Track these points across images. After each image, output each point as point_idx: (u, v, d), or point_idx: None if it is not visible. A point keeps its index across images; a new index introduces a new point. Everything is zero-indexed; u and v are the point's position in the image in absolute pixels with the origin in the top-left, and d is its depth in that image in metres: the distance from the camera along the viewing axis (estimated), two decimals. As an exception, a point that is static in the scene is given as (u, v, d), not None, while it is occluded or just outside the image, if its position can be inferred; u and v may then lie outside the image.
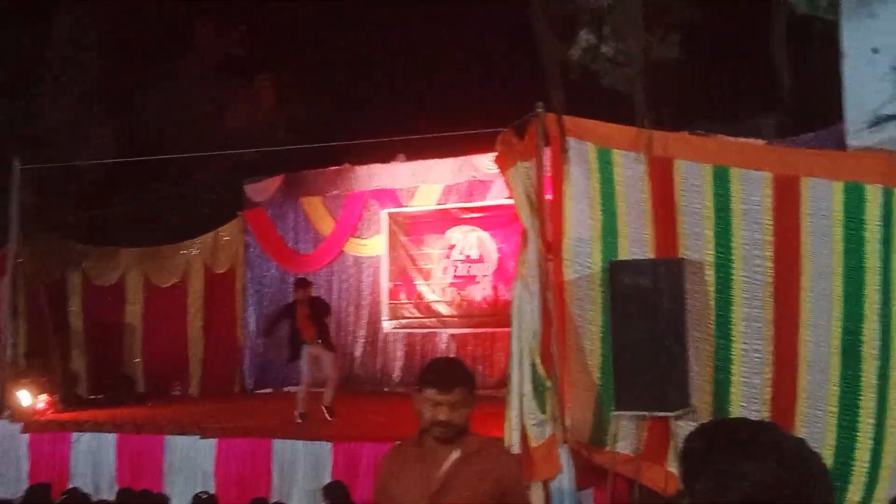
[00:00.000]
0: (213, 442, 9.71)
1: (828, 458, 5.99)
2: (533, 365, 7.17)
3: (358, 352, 13.83)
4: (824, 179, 6.39)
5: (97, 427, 10.87)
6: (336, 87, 16.64)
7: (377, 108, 15.42)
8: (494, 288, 12.88)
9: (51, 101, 13.11)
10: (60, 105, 13.07)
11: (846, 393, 6.23)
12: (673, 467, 6.55)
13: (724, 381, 6.59)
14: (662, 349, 6.60)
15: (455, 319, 13.23)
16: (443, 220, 13.40)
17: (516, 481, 3.63)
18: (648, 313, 6.68)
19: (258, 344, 14.23)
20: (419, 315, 13.47)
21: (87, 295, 14.52)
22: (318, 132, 12.97)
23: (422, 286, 13.49)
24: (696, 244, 6.86)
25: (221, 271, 14.71)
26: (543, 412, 7.04)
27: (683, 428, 6.59)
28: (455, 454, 3.49)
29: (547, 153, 7.80)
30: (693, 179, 6.91)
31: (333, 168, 14.04)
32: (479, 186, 12.99)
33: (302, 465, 9.12)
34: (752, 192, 6.64)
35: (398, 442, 3.81)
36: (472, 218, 13.18)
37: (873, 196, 6.22)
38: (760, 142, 8.25)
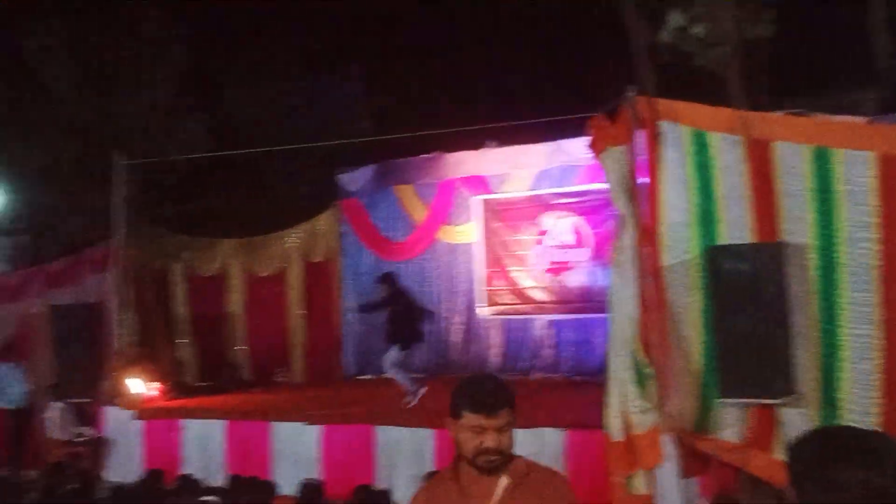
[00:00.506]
0: (318, 428, 9.95)
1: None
2: (633, 352, 7.15)
3: (455, 338, 13.95)
4: (932, 157, 6.20)
5: (206, 414, 11.26)
6: (424, 75, 16.73)
7: (466, 95, 15.47)
8: (590, 273, 12.85)
9: (146, 97, 13.51)
10: (155, 100, 13.47)
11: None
12: (780, 455, 6.47)
13: (832, 367, 6.45)
14: (765, 335, 6.51)
15: (551, 305, 13.24)
16: (535, 206, 13.39)
17: None
18: (750, 299, 6.59)
19: (358, 331, 14.51)
20: (515, 301, 13.52)
21: (191, 285, 14.98)
22: (406, 119, 13.10)
23: (516, 272, 13.52)
24: (798, 227, 6.72)
25: (319, 260, 15.02)
26: (645, 400, 7.02)
27: (790, 415, 6.51)
28: (503, 481, 3.07)
29: (640, 137, 7.74)
30: (792, 161, 6.77)
31: (425, 156, 14.15)
32: (571, 171, 12.88)
33: (405, 451, 9.29)
34: (856, 172, 6.46)
35: (427, 476, 3.54)
36: (565, 203, 13.14)
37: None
38: (861, 119, 8.03)
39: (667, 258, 7.37)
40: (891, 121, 8.17)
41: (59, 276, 13.49)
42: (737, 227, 7.05)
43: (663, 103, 7.54)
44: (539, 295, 13.37)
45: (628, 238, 7.43)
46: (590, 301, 12.61)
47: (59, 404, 11.72)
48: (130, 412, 11.57)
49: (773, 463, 6.56)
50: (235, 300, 15.10)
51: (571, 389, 11.70)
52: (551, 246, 13.25)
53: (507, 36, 15.88)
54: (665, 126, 7.48)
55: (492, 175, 13.68)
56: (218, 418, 10.99)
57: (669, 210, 7.41)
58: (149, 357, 13.06)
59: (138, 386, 12.11)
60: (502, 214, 13.68)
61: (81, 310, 12.00)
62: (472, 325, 13.89)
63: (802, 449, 2.00)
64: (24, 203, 13.75)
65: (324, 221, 15.07)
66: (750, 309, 6.58)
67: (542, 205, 13.34)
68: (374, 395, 11.86)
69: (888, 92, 9.66)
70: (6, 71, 15.39)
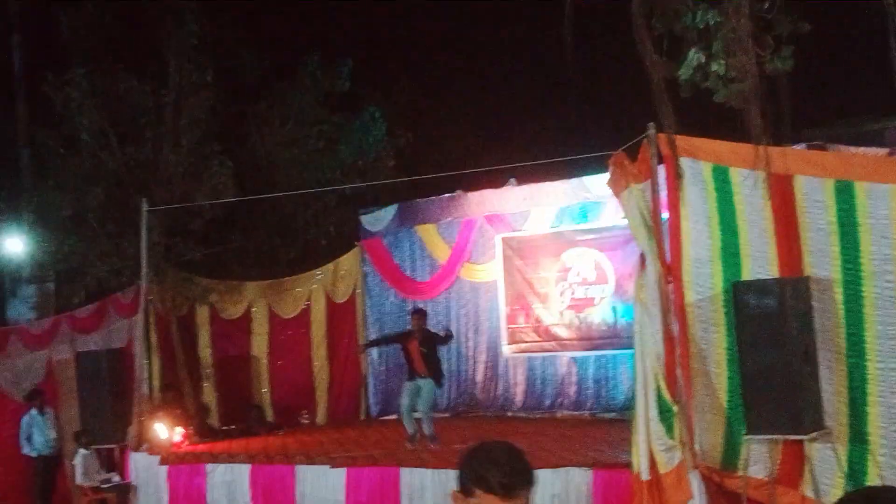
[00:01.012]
0: (343, 471, 9.92)
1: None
2: (658, 389, 7.11)
3: (479, 377, 13.92)
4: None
5: (231, 458, 11.25)
6: (444, 115, 16.86)
7: (487, 133, 15.55)
8: (613, 309, 12.80)
9: (170, 144, 13.66)
10: (180, 147, 13.61)
11: None
12: (809, 491, 6.39)
13: (861, 402, 6.39)
14: (792, 370, 6.47)
15: (574, 342, 13.18)
16: (557, 243, 13.38)
17: None
18: (776, 334, 6.55)
19: (381, 371, 14.50)
20: (538, 339, 13.48)
21: (215, 328, 14.98)
22: (427, 157, 13.17)
23: (539, 309, 13.49)
24: (822, 261, 6.70)
25: (342, 300, 15.06)
26: (671, 437, 6.97)
27: (818, 451, 6.44)
28: None
29: (660, 173, 7.75)
30: (815, 195, 6.76)
31: (446, 195, 14.20)
32: (592, 208, 12.89)
33: (430, 493, 9.23)
34: (879, 205, 6.45)
35: None
36: (586, 240, 13.12)
37: None
38: (883, 151, 8.01)
39: (691, 294, 7.35)
40: (913, 152, 8.13)
41: (86, 323, 13.59)
42: (760, 262, 7.03)
43: (683, 140, 7.57)
44: (562, 332, 13.32)
45: (652, 275, 7.42)
46: (612, 337, 12.55)
47: (86, 451, 11.76)
48: (156, 457, 11.58)
49: (801, 499, 6.48)
50: (259, 342, 15.12)
51: (596, 427, 11.61)
52: (573, 282, 13.22)
53: (526, 74, 16.00)
54: (686, 162, 7.50)
55: (513, 213, 13.69)
56: (243, 462, 10.99)
57: (692, 246, 7.40)
58: (174, 401, 13.10)
59: (164, 431, 12.13)
60: (524, 252, 13.67)
61: (107, 356, 12.09)
62: (496, 363, 13.86)
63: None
64: (51, 251, 13.90)
65: (347, 262, 15.14)
66: (776, 344, 6.54)
67: (563, 242, 13.33)
68: (397, 435, 11.80)
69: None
70: (32, 122, 15.66)
